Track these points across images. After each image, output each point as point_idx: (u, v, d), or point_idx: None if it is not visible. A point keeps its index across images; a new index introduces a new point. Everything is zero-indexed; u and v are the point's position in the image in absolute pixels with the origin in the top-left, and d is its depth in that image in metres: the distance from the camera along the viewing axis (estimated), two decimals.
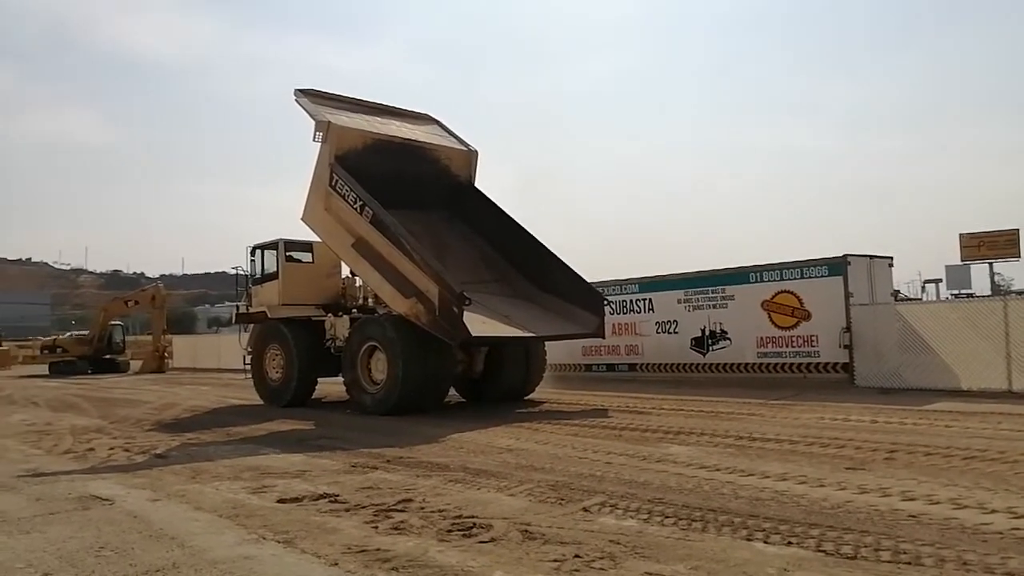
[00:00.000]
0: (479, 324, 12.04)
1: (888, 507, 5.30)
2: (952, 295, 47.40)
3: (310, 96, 14.07)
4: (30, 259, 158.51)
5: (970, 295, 44.43)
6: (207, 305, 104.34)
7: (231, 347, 26.98)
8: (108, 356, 34.63)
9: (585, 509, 5.63)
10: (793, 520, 5.05)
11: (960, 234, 46.33)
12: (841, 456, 7.38)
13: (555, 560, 4.40)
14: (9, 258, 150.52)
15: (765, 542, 4.62)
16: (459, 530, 5.13)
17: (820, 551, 4.38)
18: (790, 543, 4.56)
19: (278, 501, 6.24)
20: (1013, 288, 50.01)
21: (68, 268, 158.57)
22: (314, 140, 13.37)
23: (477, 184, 15.62)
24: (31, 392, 21.56)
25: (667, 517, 5.31)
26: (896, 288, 20.96)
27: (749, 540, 4.67)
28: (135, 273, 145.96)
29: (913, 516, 5.04)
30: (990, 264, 46.74)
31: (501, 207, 15.09)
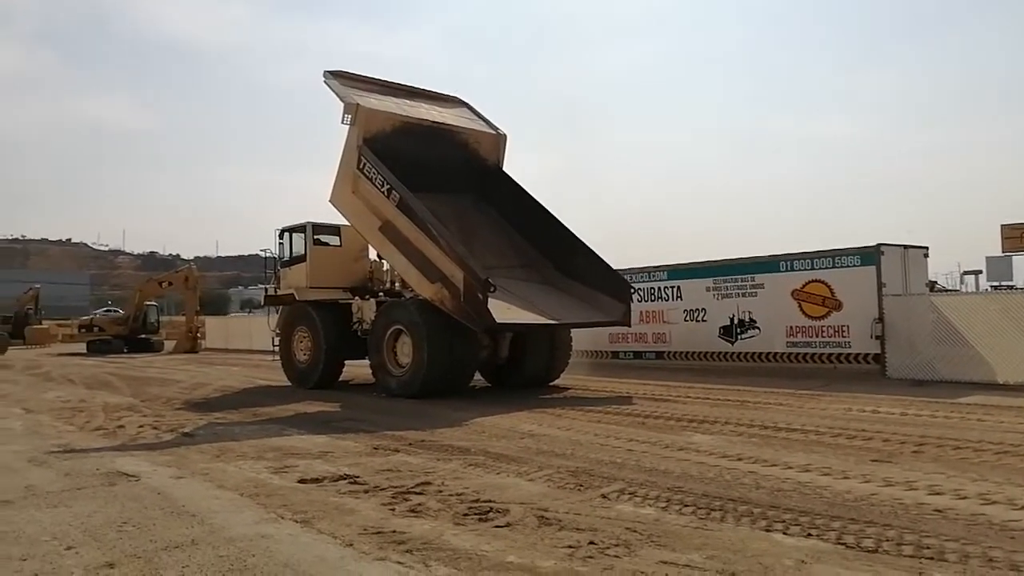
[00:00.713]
0: (504, 310, 12.02)
1: (913, 501, 5.19)
2: (992, 287, 46.32)
3: (340, 78, 14.08)
4: (70, 240, 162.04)
5: (1011, 287, 43.34)
6: (240, 287, 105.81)
7: (262, 328, 27.32)
8: (143, 336, 35.27)
9: (603, 496, 5.59)
10: (814, 512, 4.97)
11: (1002, 225, 45.17)
12: (868, 448, 7.25)
13: (569, 546, 4.37)
14: (50, 239, 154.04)
15: (784, 533, 4.54)
16: (475, 514, 5.13)
17: (840, 544, 4.30)
18: (809, 535, 4.49)
19: (299, 481, 6.30)
20: None
21: (107, 249, 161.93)
22: (343, 122, 13.39)
23: (505, 168, 15.55)
24: (68, 370, 22.06)
25: (685, 506, 5.25)
26: (933, 279, 20.52)
27: (767, 531, 4.61)
28: (171, 255, 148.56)
29: (939, 511, 4.93)
30: None
31: (529, 192, 15.01)
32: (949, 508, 4.99)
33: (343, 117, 13.33)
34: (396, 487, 5.98)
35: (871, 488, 5.60)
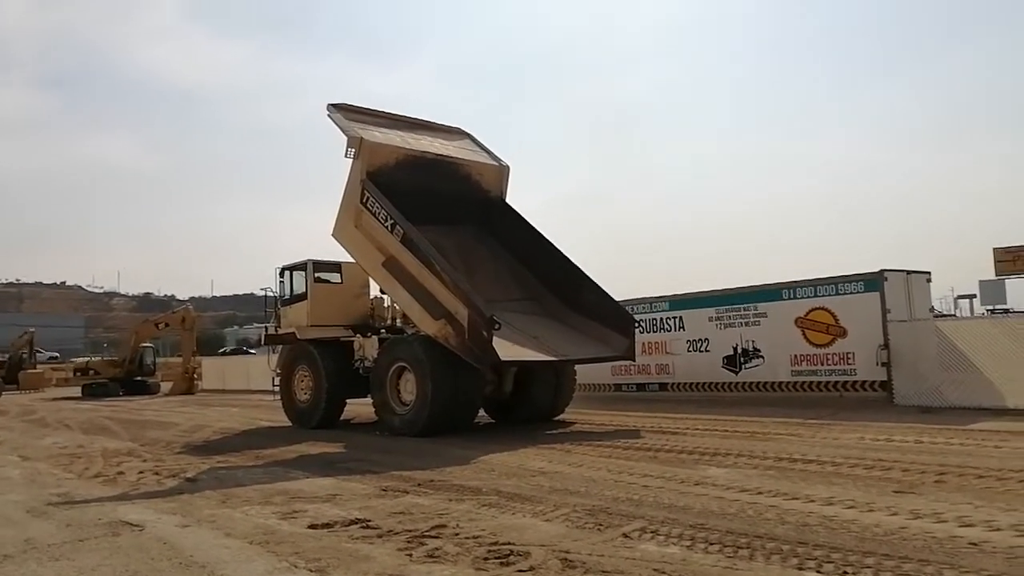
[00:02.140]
0: (508, 347, 11.89)
1: (945, 534, 5.05)
2: (987, 310, 46.41)
3: (343, 111, 14.09)
4: (64, 283, 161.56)
5: (1006, 310, 43.47)
6: (236, 327, 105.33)
7: (259, 368, 27.09)
8: (139, 378, 34.95)
9: (625, 535, 5.43)
10: (845, 548, 4.81)
11: (994, 248, 45.49)
12: (888, 479, 7.10)
13: None
14: (45, 282, 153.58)
15: (818, 571, 4.39)
16: (496, 558, 4.96)
17: None
18: (845, 572, 4.34)
19: (309, 527, 6.12)
20: None
21: (101, 291, 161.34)
22: (346, 156, 13.38)
23: (508, 200, 15.53)
24: (63, 414, 21.75)
25: (711, 544, 5.10)
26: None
27: (800, 569, 4.45)
28: (166, 296, 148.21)
29: (974, 544, 4.78)
30: None
31: (532, 224, 14.97)
32: (984, 541, 4.84)
33: (346, 151, 13.32)
34: (410, 531, 5.81)
35: (899, 521, 5.45)
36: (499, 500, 6.91)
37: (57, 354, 56.60)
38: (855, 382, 14.57)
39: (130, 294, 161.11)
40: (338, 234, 13.77)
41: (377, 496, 7.42)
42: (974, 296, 53.65)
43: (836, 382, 14.86)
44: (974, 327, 14.32)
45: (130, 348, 34.98)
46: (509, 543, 5.30)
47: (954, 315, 46.51)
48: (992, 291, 49.36)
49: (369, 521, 6.20)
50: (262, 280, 16.66)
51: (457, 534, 5.65)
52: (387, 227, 12.82)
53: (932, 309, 18.30)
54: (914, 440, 9.58)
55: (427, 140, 14.94)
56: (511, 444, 10.89)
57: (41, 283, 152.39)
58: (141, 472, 9.65)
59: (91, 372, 35.05)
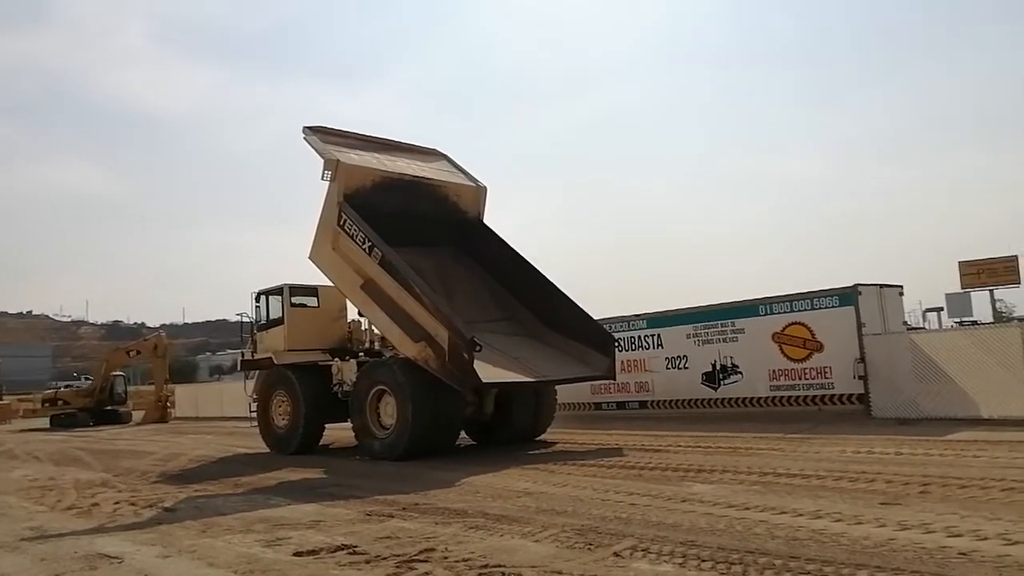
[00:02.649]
0: (490, 369, 11.83)
1: (935, 544, 5.07)
2: (955, 323, 47.22)
3: (319, 133, 14.03)
4: (31, 312, 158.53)
5: (973, 323, 44.25)
6: (208, 353, 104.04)
7: (234, 395, 26.72)
8: (110, 407, 34.22)
9: (616, 554, 5.39)
10: (837, 561, 4.82)
11: (959, 262, 46.31)
12: (873, 491, 7.15)
13: None
14: (10, 311, 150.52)
15: None
16: None
17: None
18: None
19: (294, 554, 6.00)
20: (1015, 314, 49.84)
21: (69, 320, 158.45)
22: (322, 179, 13.30)
23: (486, 220, 15.53)
24: (33, 446, 21.21)
25: (703, 560, 5.08)
26: None
27: None
28: (136, 323, 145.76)
29: (963, 554, 4.81)
30: (991, 291, 46.68)
31: (510, 244, 14.98)
32: (973, 550, 4.87)
33: (323, 173, 13.26)
34: (398, 555, 5.72)
35: (888, 532, 5.48)
36: (486, 522, 6.84)
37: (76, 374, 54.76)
38: (833, 395, 14.70)
39: (98, 323, 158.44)
40: (315, 257, 13.67)
41: (362, 521, 7.30)
42: (941, 309, 54.53)
43: (814, 396, 14.97)
44: (946, 339, 14.51)
45: (100, 377, 34.29)
46: (500, 565, 5.24)
47: (923, 328, 47.32)
48: (959, 304, 50.18)
49: (356, 547, 6.10)
50: (234, 306, 16.50)
51: (446, 557, 5.58)
52: (365, 249, 12.75)
53: (905, 322, 18.60)
54: (894, 452, 9.67)
55: (404, 162, 14.93)
56: (494, 465, 10.81)
57: (6, 313, 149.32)
58: (117, 503, 9.42)
59: (60, 402, 34.21)
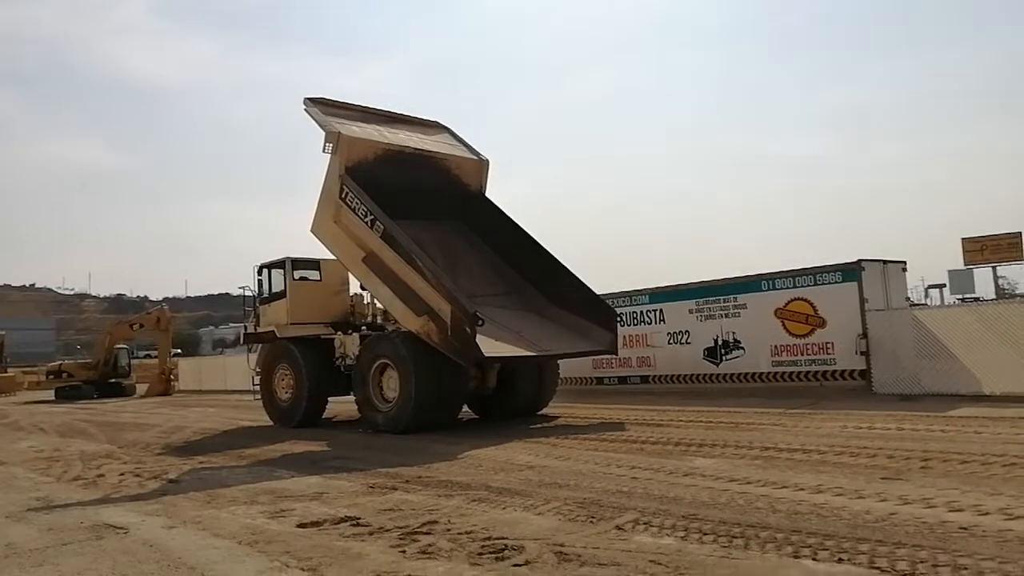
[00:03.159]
0: (492, 343, 11.83)
1: (936, 519, 5.09)
2: (958, 300, 47.17)
3: (320, 105, 13.91)
4: (34, 285, 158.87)
5: (976, 299, 44.21)
6: (211, 327, 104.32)
7: (237, 368, 26.82)
8: (114, 380, 34.42)
9: (618, 527, 5.42)
10: (838, 535, 4.84)
11: (962, 238, 46.09)
12: (874, 466, 7.17)
13: None
14: (13, 284, 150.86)
15: (814, 559, 4.41)
16: (490, 552, 4.93)
17: (874, 568, 4.17)
18: (840, 560, 4.35)
19: (298, 526, 6.04)
20: (1018, 291, 49.78)
21: (72, 293, 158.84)
22: (324, 151, 13.21)
23: (488, 194, 15.46)
24: (38, 418, 21.35)
25: (705, 534, 5.10)
26: None
27: (796, 557, 4.46)
28: (139, 296, 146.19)
29: (964, 528, 4.83)
30: (994, 268, 46.55)
31: (512, 218, 14.92)
32: (974, 525, 4.89)
33: (324, 145, 13.16)
34: (401, 527, 5.75)
35: (889, 507, 5.50)
36: (489, 495, 6.87)
37: (79, 347, 54.86)
38: (835, 371, 14.72)
39: (102, 295, 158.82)
40: (317, 230, 13.63)
41: (365, 493, 7.35)
42: (943, 286, 54.48)
43: (816, 372, 14.99)
44: (949, 315, 14.52)
45: (104, 350, 34.43)
46: (503, 537, 5.27)
47: (925, 304, 47.29)
48: (961, 280, 50.10)
49: (359, 519, 6.14)
50: (237, 279, 16.47)
51: (449, 530, 5.61)
52: (367, 223, 12.70)
53: (908, 298, 18.57)
54: (896, 427, 9.68)
55: (405, 134, 14.82)
56: (497, 439, 10.86)
57: (9, 286, 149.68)
58: (122, 474, 9.49)
59: (64, 375, 34.43)
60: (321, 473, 8.77)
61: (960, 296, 48.90)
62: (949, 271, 51.95)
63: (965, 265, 47.18)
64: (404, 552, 5.08)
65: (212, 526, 6.21)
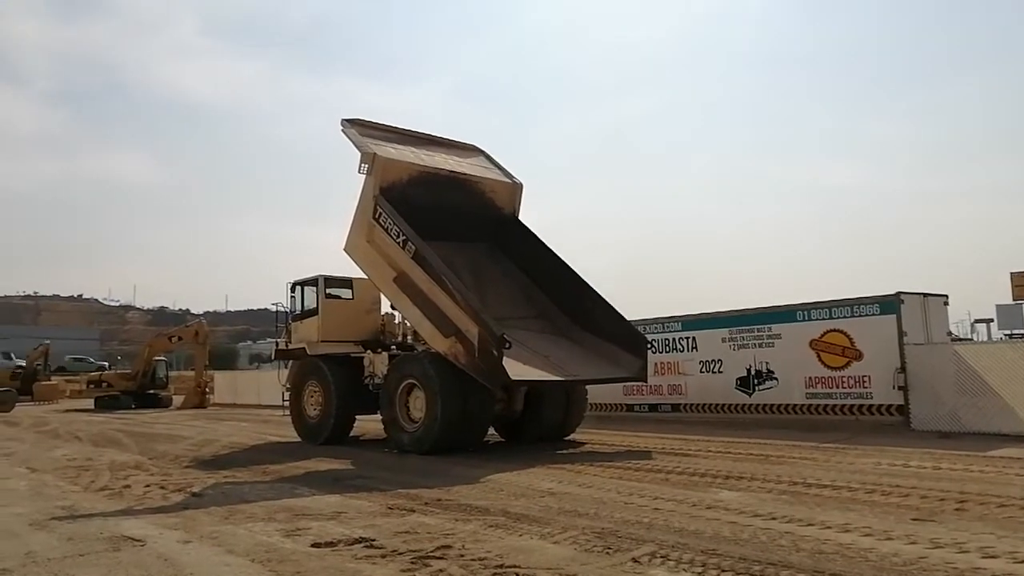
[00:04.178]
0: (519, 367, 11.76)
1: (968, 565, 4.87)
2: (1005, 335, 45.83)
3: (357, 126, 14.10)
4: (81, 296, 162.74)
5: None
6: (249, 342, 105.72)
7: (271, 383, 27.05)
8: (151, 391, 35.03)
9: (635, 560, 5.29)
10: None
11: (1011, 273, 44.82)
12: (906, 506, 6.92)
13: None
14: (62, 295, 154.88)
15: None
16: None
17: None
18: None
19: (312, 545, 6.01)
20: None
21: (117, 304, 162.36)
22: (360, 171, 13.37)
23: (521, 217, 15.47)
24: (75, 426, 21.78)
25: (724, 571, 4.95)
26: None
27: None
28: (180, 310, 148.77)
29: None
30: None
31: (544, 242, 14.89)
32: (1009, 573, 4.67)
33: (360, 166, 13.32)
34: (414, 551, 5.69)
35: (919, 550, 5.28)
36: (506, 521, 6.78)
37: (106, 363, 56.13)
38: (871, 406, 14.33)
39: (145, 308, 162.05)
40: (350, 249, 13.75)
41: (383, 514, 7.30)
42: (991, 320, 52.94)
43: (852, 405, 14.61)
44: (993, 351, 14.06)
45: (143, 361, 35.09)
46: (515, 566, 5.17)
47: (971, 339, 46.02)
48: (1009, 316, 48.54)
49: (373, 540, 6.09)
50: (276, 295, 16.63)
51: (462, 555, 5.53)
52: (399, 243, 12.78)
53: (950, 333, 18.07)
54: (932, 466, 9.36)
55: (441, 156, 14.92)
56: (520, 464, 10.75)
57: (58, 296, 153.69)
58: (147, 486, 9.59)
59: (104, 384, 35.15)
60: (342, 492, 8.76)
61: (1008, 332, 47.51)
62: (997, 306, 50.41)
63: (1014, 300, 45.92)
64: None
65: (227, 542, 6.21)
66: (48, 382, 43.05)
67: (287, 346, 16.55)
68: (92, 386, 35.84)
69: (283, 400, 16.79)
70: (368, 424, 15.73)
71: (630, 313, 14.73)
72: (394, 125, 15.06)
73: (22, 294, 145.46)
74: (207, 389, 35.04)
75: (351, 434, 15.49)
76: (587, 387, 14.40)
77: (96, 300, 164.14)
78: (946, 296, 15.44)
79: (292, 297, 16.46)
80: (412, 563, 5.36)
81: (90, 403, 34.58)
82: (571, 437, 14.37)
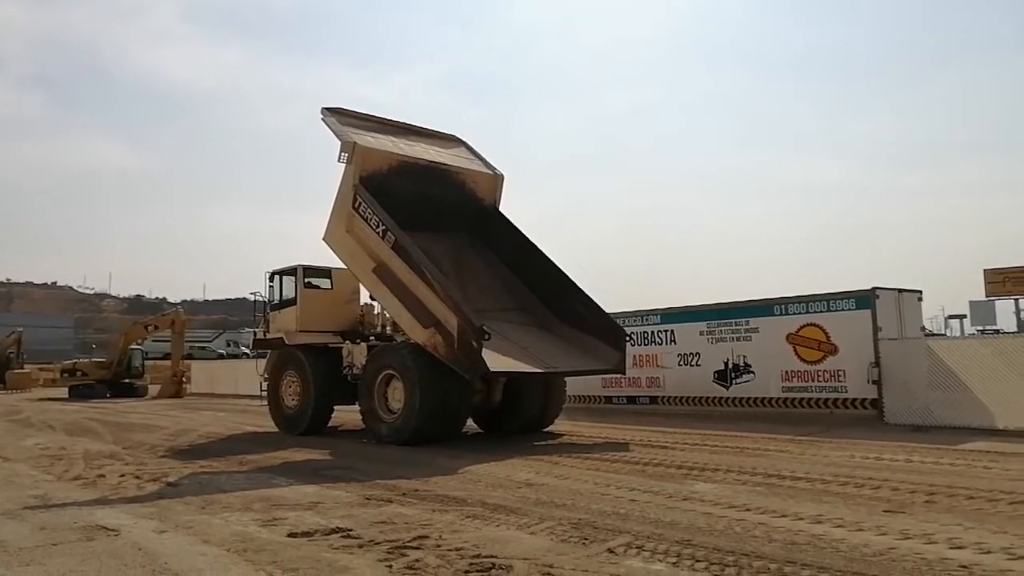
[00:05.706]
0: (498, 358, 11.77)
1: (936, 555, 4.96)
2: (978, 331, 46.59)
3: (337, 115, 14.00)
4: (55, 283, 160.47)
5: (996, 331, 43.63)
6: (227, 331, 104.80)
7: (248, 373, 26.88)
8: (127, 380, 34.68)
9: (610, 550, 5.33)
10: (834, 568, 4.73)
11: (984, 269, 45.62)
12: (878, 498, 7.03)
13: None
14: (35, 282, 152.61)
15: None
16: (478, 571, 4.86)
17: None
18: None
19: (288, 535, 6.00)
20: None
21: (92, 292, 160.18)
22: (339, 160, 13.27)
23: (502, 209, 15.45)
24: (49, 415, 21.51)
25: (698, 561, 5.01)
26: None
27: None
28: (157, 298, 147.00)
29: (965, 567, 4.70)
30: (1016, 300, 46.07)
31: (525, 234, 14.89)
32: (975, 563, 4.76)
33: (340, 155, 13.22)
34: (391, 541, 5.70)
35: (889, 541, 5.37)
36: (483, 512, 6.80)
37: (95, 346, 55.28)
38: (846, 399, 14.52)
39: (121, 296, 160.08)
40: (329, 238, 13.67)
41: (360, 505, 7.30)
42: (964, 316, 53.86)
43: (827, 399, 14.80)
44: (965, 347, 14.27)
45: (119, 350, 34.72)
46: (492, 556, 5.20)
47: (944, 334, 46.71)
48: (982, 312, 49.61)
49: (350, 530, 6.09)
50: (255, 284, 16.53)
51: (439, 546, 5.54)
52: (378, 233, 12.72)
53: (923, 328, 18.31)
54: (904, 459, 9.51)
55: (421, 146, 14.86)
56: (498, 454, 10.79)
57: (32, 283, 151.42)
58: (122, 475, 9.51)
59: (78, 373, 34.74)
60: (319, 482, 8.74)
61: (980, 327, 48.32)
62: (970, 302, 51.38)
63: (987, 296, 46.69)
64: (391, 567, 5.02)
65: (203, 532, 6.18)
66: (21, 371, 42.49)
67: (265, 336, 16.45)
68: (66, 375, 35.41)
69: (261, 390, 16.70)
70: (346, 415, 15.68)
71: (610, 306, 14.81)
72: (375, 114, 14.98)
73: None
74: (184, 379, 34.75)
75: (329, 424, 15.44)
76: (566, 379, 14.45)
77: (71, 287, 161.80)
78: (920, 292, 15.67)
79: (270, 286, 16.35)
80: (389, 553, 5.36)
81: (64, 392, 34.17)
82: (549, 429, 14.42)
